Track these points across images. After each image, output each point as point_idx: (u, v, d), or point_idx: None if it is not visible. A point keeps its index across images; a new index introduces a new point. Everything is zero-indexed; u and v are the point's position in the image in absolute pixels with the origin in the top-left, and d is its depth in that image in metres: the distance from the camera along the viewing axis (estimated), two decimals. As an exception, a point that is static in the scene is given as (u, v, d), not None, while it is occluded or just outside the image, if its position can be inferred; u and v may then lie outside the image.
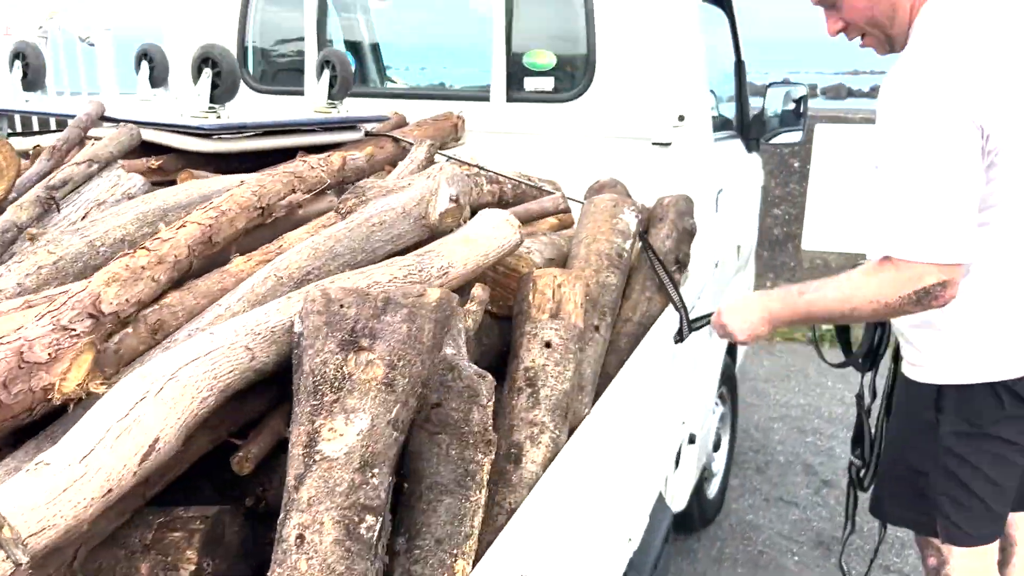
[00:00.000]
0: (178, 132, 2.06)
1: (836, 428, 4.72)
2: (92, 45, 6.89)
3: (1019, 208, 1.89)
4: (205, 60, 2.09)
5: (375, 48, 3.97)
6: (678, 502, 3.02)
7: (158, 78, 2.69)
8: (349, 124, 2.46)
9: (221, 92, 2.09)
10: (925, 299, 1.82)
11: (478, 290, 1.48)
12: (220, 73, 2.08)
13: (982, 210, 1.87)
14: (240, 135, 2.11)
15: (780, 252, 7.06)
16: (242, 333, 1.22)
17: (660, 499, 2.59)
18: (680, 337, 2.36)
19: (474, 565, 1.22)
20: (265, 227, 1.62)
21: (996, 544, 2.10)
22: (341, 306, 1.14)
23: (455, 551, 1.22)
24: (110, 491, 1.02)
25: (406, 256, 1.53)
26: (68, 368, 1.09)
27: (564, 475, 1.50)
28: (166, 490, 1.31)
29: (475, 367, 1.35)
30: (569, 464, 1.53)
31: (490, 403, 1.33)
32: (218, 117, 2.11)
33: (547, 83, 2.93)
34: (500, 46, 2.89)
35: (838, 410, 4.96)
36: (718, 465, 3.80)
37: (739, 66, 3.75)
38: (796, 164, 6.80)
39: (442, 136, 2.83)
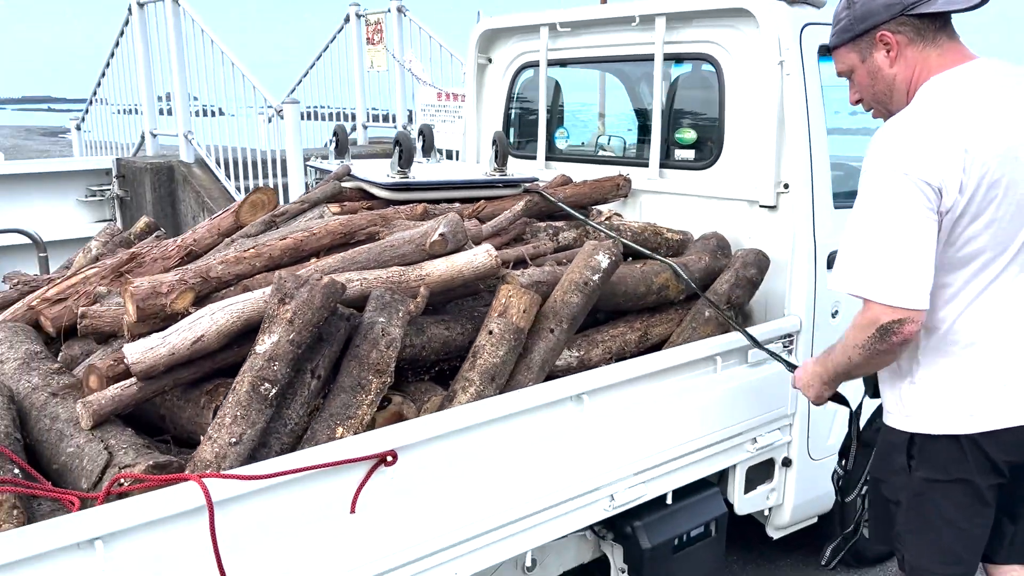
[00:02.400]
0: (373, 185, 3.29)
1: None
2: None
3: (985, 270, 2.07)
4: (396, 141, 3.28)
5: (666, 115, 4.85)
6: (778, 517, 3.47)
7: (427, 148, 3.97)
8: (508, 183, 3.48)
9: (403, 161, 3.27)
10: (887, 336, 2.02)
11: (423, 289, 2.44)
12: (402, 149, 3.26)
13: (947, 272, 2.08)
14: (410, 189, 3.28)
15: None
16: (269, 292, 2.36)
17: (715, 495, 3.17)
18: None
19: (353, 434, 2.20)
20: (350, 244, 2.75)
21: None
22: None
23: (338, 422, 2.21)
24: (173, 354, 2.23)
25: (400, 268, 2.54)
26: (176, 298, 2.32)
27: (473, 412, 2.37)
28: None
29: (388, 328, 2.31)
30: (481, 408, 2.39)
31: (389, 349, 2.29)
32: (403, 177, 3.29)
33: (690, 154, 3.63)
34: (658, 125, 3.67)
35: None
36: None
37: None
38: None
39: (602, 193, 3.68)
